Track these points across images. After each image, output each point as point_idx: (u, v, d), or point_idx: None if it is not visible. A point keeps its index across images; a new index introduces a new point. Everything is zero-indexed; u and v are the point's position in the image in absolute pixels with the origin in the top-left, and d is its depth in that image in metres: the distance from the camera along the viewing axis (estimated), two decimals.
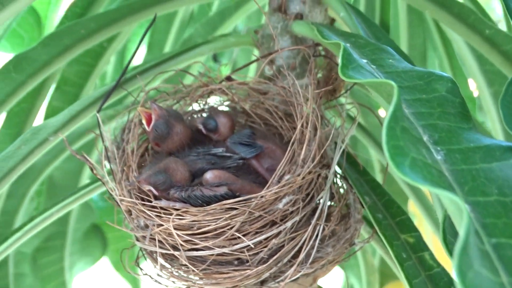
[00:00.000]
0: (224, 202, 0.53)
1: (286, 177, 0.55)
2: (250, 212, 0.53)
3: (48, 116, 1.03)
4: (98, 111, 0.66)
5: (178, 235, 0.52)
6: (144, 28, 1.30)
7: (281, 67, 0.72)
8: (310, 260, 0.56)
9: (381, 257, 1.21)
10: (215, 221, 0.52)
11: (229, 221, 0.52)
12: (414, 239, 0.60)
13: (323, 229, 0.57)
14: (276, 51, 0.67)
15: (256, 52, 0.80)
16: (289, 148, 0.57)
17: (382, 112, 1.28)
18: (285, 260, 0.56)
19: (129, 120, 0.66)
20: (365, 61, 0.51)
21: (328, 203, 0.59)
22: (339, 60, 0.45)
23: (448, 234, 0.42)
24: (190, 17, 1.26)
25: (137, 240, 0.59)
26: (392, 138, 0.35)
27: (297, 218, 0.55)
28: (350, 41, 0.56)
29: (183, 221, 0.52)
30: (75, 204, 0.79)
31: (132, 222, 0.57)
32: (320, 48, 0.68)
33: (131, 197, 0.56)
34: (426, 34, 1.13)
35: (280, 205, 0.54)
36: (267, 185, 0.55)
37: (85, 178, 1.19)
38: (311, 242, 0.56)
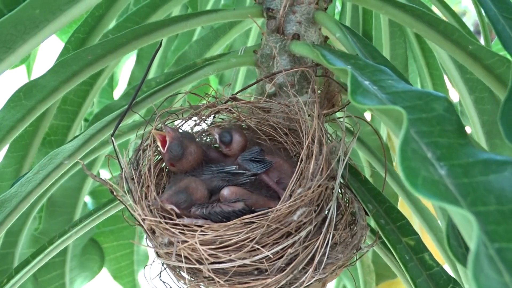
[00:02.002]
0: (244, 217, 0.58)
1: (298, 190, 0.60)
2: (267, 225, 0.57)
3: (49, 134, 1.06)
4: (113, 135, 0.70)
5: (203, 249, 0.56)
6: None
7: (282, 85, 0.77)
8: (322, 266, 0.61)
9: (372, 258, 1.27)
10: (236, 235, 0.57)
11: (249, 234, 0.57)
12: (414, 241, 0.66)
13: (333, 236, 0.62)
14: (279, 72, 0.72)
15: (253, 71, 0.85)
16: (298, 163, 0.62)
17: (367, 115, 1.35)
18: (300, 267, 0.60)
19: (142, 141, 0.70)
20: (367, 82, 0.56)
21: (335, 212, 0.64)
22: (348, 86, 0.49)
23: (451, 239, 0.48)
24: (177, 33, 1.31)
25: (158, 256, 0.63)
26: (405, 159, 0.40)
27: (310, 228, 0.60)
28: (350, 62, 0.61)
29: (207, 237, 0.57)
30: (77, 234, 0.82)
31: (155, 240, 0.60)
32: (318, 67, 0.73)
33: (154, 216, 0.60)
34: (407, 44, 1.20)
35: (295, 217, 0.58)
36: (281, 199, 0.60)
37: (85, 195, 1.22)
38: (322, 250, 0.61)
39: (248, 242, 0.57)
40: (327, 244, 0.62)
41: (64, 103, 1.04)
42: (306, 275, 0.60)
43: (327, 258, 0.62)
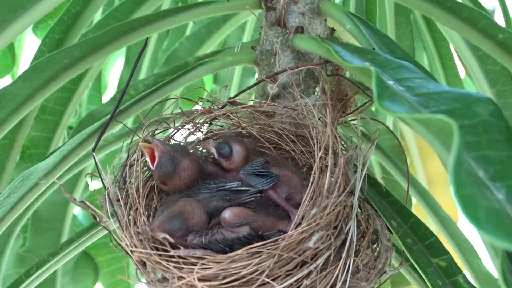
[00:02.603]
0: (250, 246, 0.49)
1: (313, 211, 0.51)
2: (279, 254, 0.48)
3: (28, 148, 0.97)
4: (94, 150, 0.60)
5: (203, 287, 0.47)
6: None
7: (285, 85, 0.68)
8: None
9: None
10: (243, 268, 0.48)
11: (257, 266, 0.48)
12: (445, 262, 0.57)
13: (354, 261, 0.53)
14: (284, 70, 0.63)
15: (251, 68, 0.76)
16: (311, 178, 0.53)
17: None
18: None
19: (129, 155, 0.61)
20: (391, 82, 0.47)
21: (356, 232, 0.55)
22: (374, 90, 0.40)
23: (508, 274, 0.39)
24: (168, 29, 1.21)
25: None
26: (461, 187, 0.31)
27: (328, 254, 0.51)
28: (368, 58, 0.52)
29: (208, 271, 0.48)
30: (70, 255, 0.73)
31: (147, 274, 0.52)
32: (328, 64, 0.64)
33: (144, 247, 0.51)
34: (414, 35, 1.11)
35: (310, 244, 0.49)
36: (293, 222, 0.51)
37: (73, 207, 1.12)
38: (343, 277, 0.52)
39: (257, 275, 0.48)
40: (347, 271, 0.53)
41: (43, 112, 0.95)
42: None
43: (349, 287, 0.53)
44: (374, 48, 0.56)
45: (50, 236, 1.16)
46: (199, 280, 0.47)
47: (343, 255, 0.53)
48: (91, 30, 0.88)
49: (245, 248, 0.49)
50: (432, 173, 1.02)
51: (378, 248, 0.56)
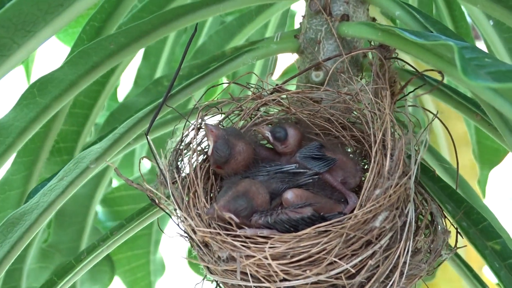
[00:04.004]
0: (318, 225, 0.49)
1: (376, 192, 0.51)
2: (346, 233, 0.48)
3: (57, 141, 0.95)
4: (147, 133, 0.60)
5: (275, 265, 0.47)
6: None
7: (333, 71, 0.68)
8: (403, 279, 0.53)
9: None
10: (311, 247, 0.48)
11: (325, 245, 0.48)
12: (500, 246, 0.57)
13: (414, 243, 0.53)
14: (339, 55, 0.63)
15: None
16: (372, 159, 0.53)
17: None
18: (380, 281, 0.52)
19: (182, 139, 0.60)
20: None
21: (414, 214, 0.55)
22: (457, 63, 0.41)
23: None
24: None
25: (211, 273, 0.54)
26: None
27: (391, 235, 0.51)
28: (432, 39, 0.52)
29: (277, 250, 0.47)
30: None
31: (210, 255, 0.51)
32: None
33: (207, 226, 0.51)
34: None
35: (377, 223, 0.49)
36: (359, 202, 0.51)
37: (96, 203, 1.11)
38: (403, 259, 0.52)
39: (324, 254, 0.48)
40: (407, 252, 0.53)
41: (73, 106, 0.94)
42: None
43: (409, 268, 0.53)
44: (432, 31, 0.56)
45: (72, 231, 1.14)
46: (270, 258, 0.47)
47: (404, 236, 0.53)
48: (125, 23, 0.87)
49: (313, 227, 0.48)
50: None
51: (436, 231, 0.57)
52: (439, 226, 0.56)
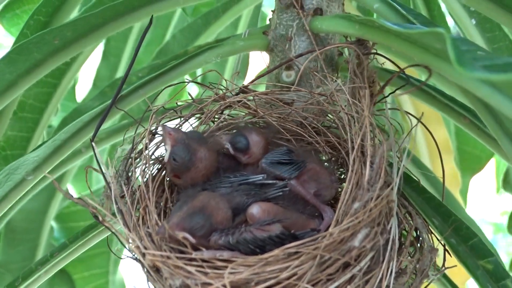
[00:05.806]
0: (287, 245, 0.41)
1: (355, 205, 0.44)
2: (320, 255, 0.41)
3: (4, 148, 0.87)
4: (93, 139, 0.52)
5: None
6: None
7: (302, 73, 0.62)
8: None
9: None
10: (280, 272, 0.40)
11: (296, 270, 0.41)
12: (492, 265, 0.51)
13: (399, 263, 0.47)
14: (312, 50, 0.56)
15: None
16: (350, 168, 0.46)
17: None
18: None
19: (133, 147, 0.53)
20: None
21: (397, 231, 0.48)
22: (450, 53, 0.34)
23: None
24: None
25: None
26: None
27: (371, 255, 0.44)
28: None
29: (238, 276, 0.40)
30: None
31: (161, 282, 0.43)
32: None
33: (159, 248, 0.43)
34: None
35: (356, 243, 0.42)
36: (335, 217, 0.44)
37: (50, 219, 1.02)
38: (385, 283, 0.46)
39: (295, 280, 0.41)
40: (390, 274, 0.46)
41: (21, 109, 0.85)
42: None
43: None
44: (415, 23, 0.50)
45: (24, 250, 1.05)
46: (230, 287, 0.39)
47: (386, 256, 0.46)
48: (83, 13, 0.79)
49: (282, 248, 0.41)
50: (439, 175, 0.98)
51: (421, 249, 0.50)
52: (425, 243, 0.50)
